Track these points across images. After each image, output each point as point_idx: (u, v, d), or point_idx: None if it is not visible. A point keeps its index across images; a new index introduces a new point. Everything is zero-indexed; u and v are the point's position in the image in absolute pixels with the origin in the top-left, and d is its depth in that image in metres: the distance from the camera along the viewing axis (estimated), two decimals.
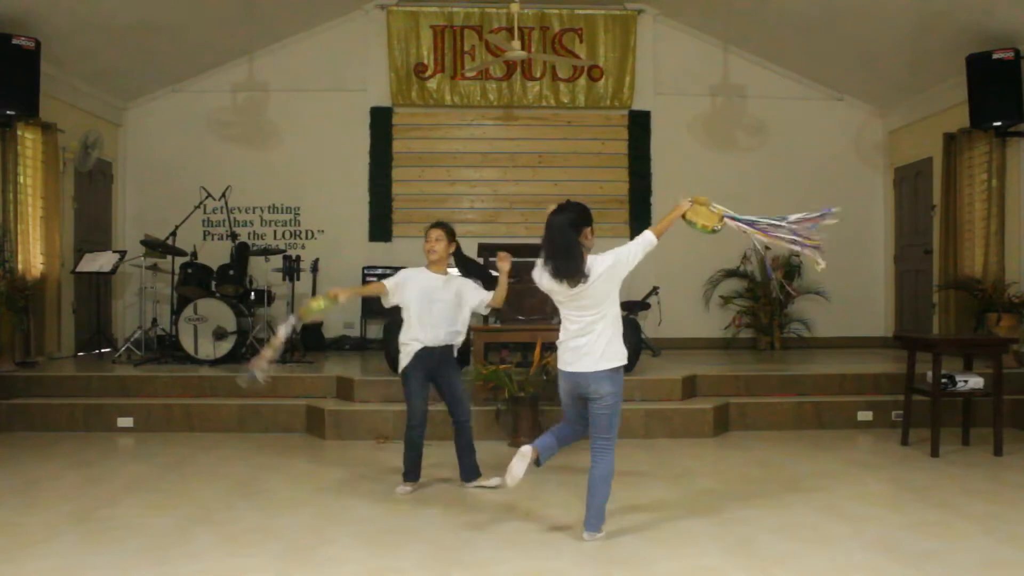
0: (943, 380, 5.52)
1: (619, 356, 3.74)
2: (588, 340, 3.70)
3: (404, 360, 4.55)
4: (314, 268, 8.99)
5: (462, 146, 9.78)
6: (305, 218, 9.69)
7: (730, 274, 9.58)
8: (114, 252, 8.27)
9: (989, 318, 7.34)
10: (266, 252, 8.29)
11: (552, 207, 3.81)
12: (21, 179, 7.43)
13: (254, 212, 9.60)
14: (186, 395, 6.58)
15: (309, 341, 8.70)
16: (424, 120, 9.74)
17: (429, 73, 9.65)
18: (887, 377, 6.81)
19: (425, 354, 4.50)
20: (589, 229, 3.77)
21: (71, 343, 8.38)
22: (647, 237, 3.78)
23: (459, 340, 4.67)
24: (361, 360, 8.10)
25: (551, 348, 5.99)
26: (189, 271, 7.86)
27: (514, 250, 7.71)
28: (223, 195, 8.48)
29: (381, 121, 9.63)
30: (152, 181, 9.49)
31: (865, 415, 6.43)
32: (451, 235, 4.64)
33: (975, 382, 5.57)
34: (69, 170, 8.36)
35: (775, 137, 9.84)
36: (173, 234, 8.01)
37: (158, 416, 6.31)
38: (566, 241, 3.68)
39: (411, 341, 4.51)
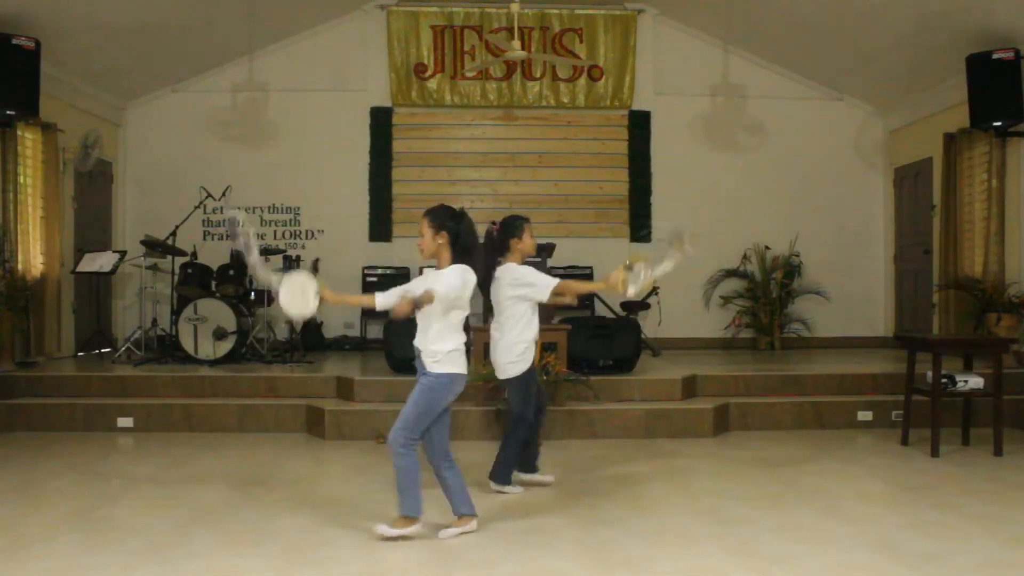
0: (943, 380, 5.51)
1: None
2: None
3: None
4: (314, 268, 9.00)
5: (462, 146, 9.78)
6: (305, 218, 9.69)
7: (730, 274, 9.58)
8: (114, 252, 8.26)
9: (989, 318, 7.34)
10: (266, 252, 8.28)
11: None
12: (21, 179, 7.43)
13: (254, 212, 9.59)
14: (186, 395, 6.58)
15: (309, 341, 8.69)
16: (424, 120, 9.74)
17: (429, 73, 9.64)
18: (887, 377, 6.82)
19: None
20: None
21: (71, 343, 8.38)
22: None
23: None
24: (361, 360, 8.09)
25: (551, 348, 6.03)
26: (189, 271, 7.87)
27: None
28: (223, 195, 8.49)
29: (381, 121, 9.63)
30: (152, 181, 9.49)
31: (865, 415, 6.43)
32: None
33: (975, 382, 5.57)
34: (69, 170, 8.36)
35: (775, 137, 9.83)
36: (173, 234, 8.01)
37: (158, 416, 6.31)
38: None
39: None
